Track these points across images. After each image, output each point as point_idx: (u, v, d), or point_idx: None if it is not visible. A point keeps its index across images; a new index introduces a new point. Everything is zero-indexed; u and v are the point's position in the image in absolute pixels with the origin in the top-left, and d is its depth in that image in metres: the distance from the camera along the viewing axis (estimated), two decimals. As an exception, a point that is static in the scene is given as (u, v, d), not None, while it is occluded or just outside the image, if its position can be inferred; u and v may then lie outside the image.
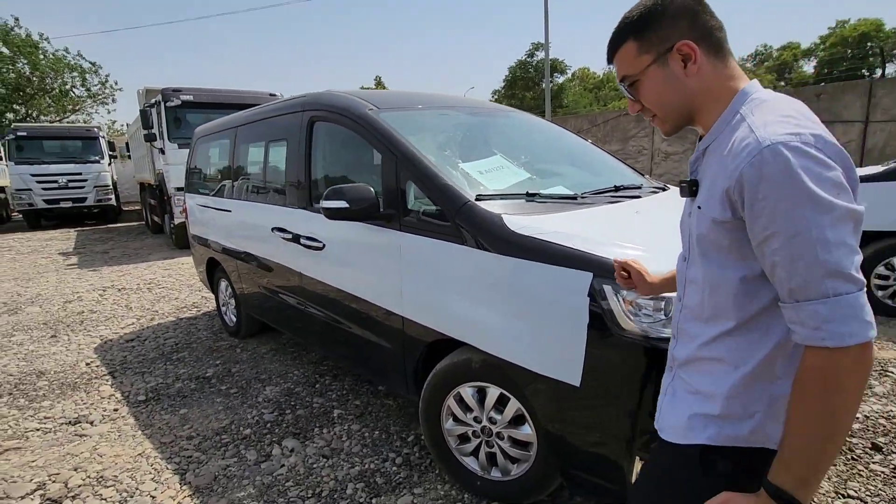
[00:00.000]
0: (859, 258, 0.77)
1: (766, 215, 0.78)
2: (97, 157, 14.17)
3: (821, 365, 0.77)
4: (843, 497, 2.17)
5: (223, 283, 4.43)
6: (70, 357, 4.14)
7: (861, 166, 8.15)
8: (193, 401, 3.27)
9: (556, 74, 37.63)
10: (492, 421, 2.08)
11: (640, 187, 2.70)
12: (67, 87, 23.80)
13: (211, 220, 4.36)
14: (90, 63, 23.90)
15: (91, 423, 3.03)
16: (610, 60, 1.04)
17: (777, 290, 0.82)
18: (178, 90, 8.75)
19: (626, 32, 0.98)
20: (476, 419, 2.13)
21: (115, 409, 3.19)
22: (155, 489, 2.38)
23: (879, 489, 2.20)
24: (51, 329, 4.90)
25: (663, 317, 1.60)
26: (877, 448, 2.48)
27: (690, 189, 0.98)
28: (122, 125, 28.78)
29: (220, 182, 4.17)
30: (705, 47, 0.93)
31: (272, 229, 3.22)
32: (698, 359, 0.97)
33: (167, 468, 2.54)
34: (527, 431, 1.99)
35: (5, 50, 21.30)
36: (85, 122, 23.33)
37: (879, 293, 4.17)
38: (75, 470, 2.55)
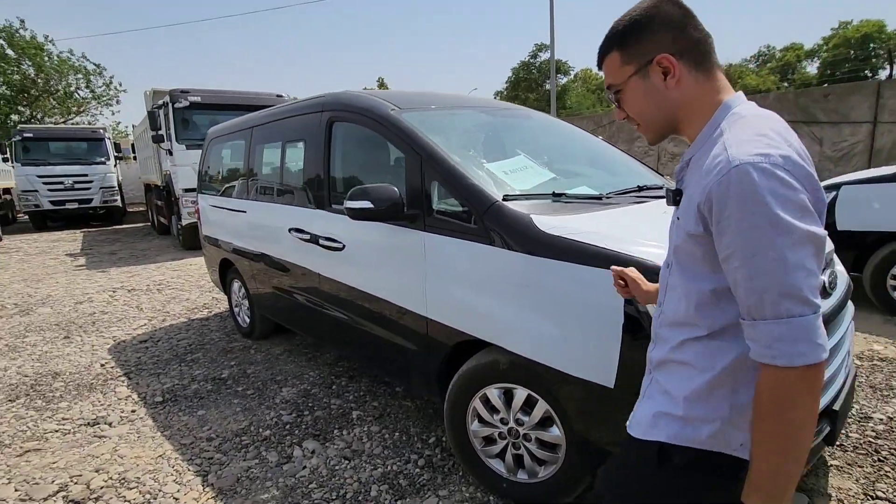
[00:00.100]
0: (817, 281, 0.78)
1: (730, 233, 0.80)
2: (103, 159, 14.22)
3: (772, 382, 0.80)
4: (872, 498, 2.15)
5: (236, 284, 4.43)
6: (84, 358, 4.14)
7: (870, 167, 8.14)
8: (210, 402, 3.27)
9: (559, 76, 37.63)
10: (519, 423, 2.07)
11: (662, 188, 2.69)
12: (72, 88, 23.88)
13: (225, 220, 4.36)
14: (95, 65, 24.00)
15: (109, 424, 3.03)
16: (599, 67, 1.07)
17: (738, 305, 0.84)
18: (185, 91, 8.76)
19: (612, 42, 1.00)
20: (503, 421, 2.12)
21: (133, 411, 3.19)
22: (178, 491, 2.37)
23: (908, 491, 2.19)
24: (63, 330, 4.91)
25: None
26: (903, 450, 2.46)
27: (675, 198, 0.99)
28: (126, 126, 28.87)
29: (235, 183, 4.17)
30: (687, 61, 0.95)
31: (289, 230, 3.21)
32: (669, 361, 0.99)
33: (189, 470, 2.53)
34: (555, 433, 1.98)
35: (10, 52, 21.37)
36: (89, 123, 23.37)
37: (895, 294, 4.15)
38: (97, 471, 2.54)
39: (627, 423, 1.08)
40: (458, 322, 2.16)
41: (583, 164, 3.06)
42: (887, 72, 35.79)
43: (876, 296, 4.18)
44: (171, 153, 8.94)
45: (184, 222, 9.03)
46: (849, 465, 2.36)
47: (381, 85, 43.58)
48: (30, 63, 21.91)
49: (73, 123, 22.98)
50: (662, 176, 3.15)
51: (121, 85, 25.06)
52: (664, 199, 2.44)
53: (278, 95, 9.70)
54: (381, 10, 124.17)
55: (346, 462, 2.54)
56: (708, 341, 0.93)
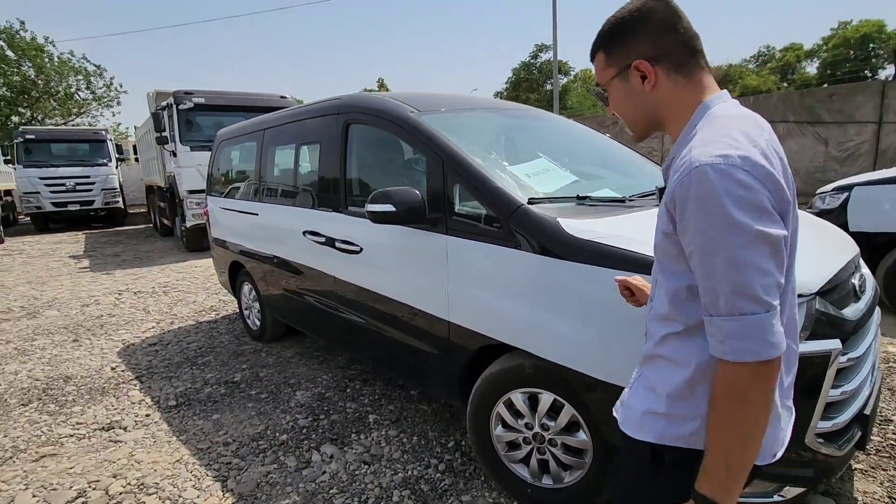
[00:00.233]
0: (772, 280, 0.80)
1: (690, 232, 0.83)
2: (105, 160, 14.19)
3: (725, 377, 0.83)
4: (898, 503, 2.14)
5: (246, 287, 4.41)
6: (94, 362, 4.12)
7: (875, 167, 8.14)
8: (225, 406, 3.25)
9: (559, 76, 37.63)
10: (544, 427, 2.06)
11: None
12: (72, 89, 23.82)
13: (235, 223, 4.34)
14: (95, 66, 23.92)
15: (124, 428, 3.01)
16: (593, 63, 1.11)
17: None
18: (189, 93, 8.74)
19: (597, 44, 1.04)
20: (527, 425, 2.11)
21: (147, 415, 3.17)
22: (198, 497, 2.35)
23: (934, 495, 2.17)
24: (72, 333, 4.88)
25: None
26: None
27: (661, 196, 1.01)
28: (126, 128, 28.82)
29: (246, 185, 4.16)
30: (666, 65, 0.97)
31: (303, 233, 3.20)
32: (654, 356, 1.01)
33: (207, 475, 2.51)
34: (582, 438, 1.97)
35: (11, 53, 21.31)
36: (90, 124, 23.32)
37: (907, 295, 4.14)
38: (115, 477, 2.52)
39: (615, 409, 1.11)
40: (482, 326, 2.14)
41: (599, 165, 3.04)
42: (887, 71, 35.85)
43: (889, 297, 4.17)
44: (175, 154, 8.92)
45: (188, 224, 9.01)
46: (872, 468, 2.35)
47: (381, 85, 43.55)
48: (30, 64, 21.85)
49: (73, 125, 22.94)
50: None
51: (121, 86, 25.02)
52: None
53: (282, 96, 9.70)
54: (381, 10, 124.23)
55: (366, 467, 2.52)
56: (685, 337, 0.94)
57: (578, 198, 2.16)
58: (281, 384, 3.53)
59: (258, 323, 4.35)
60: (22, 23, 21.61)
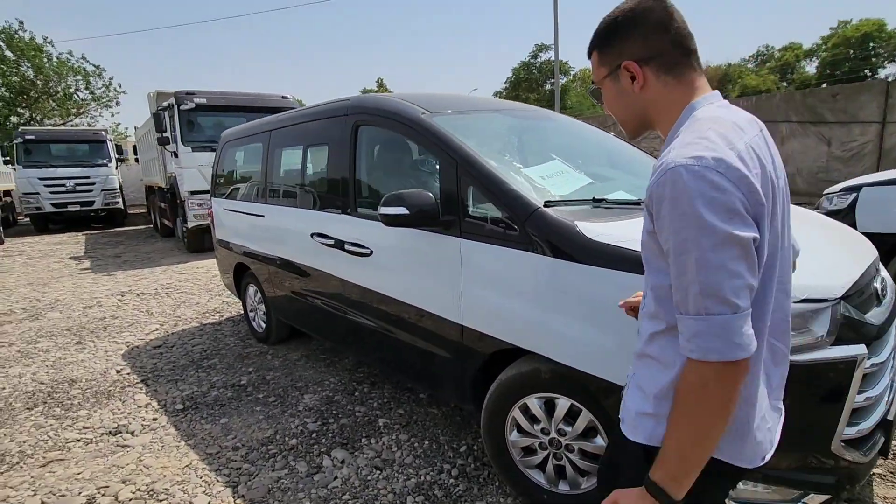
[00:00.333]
0: (741, 283, 0.80)
1: (664, 232, 0.85)
2: (105, 161, 14.14)
3: (689, 374, 0.85)
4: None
5: (252, 289, 4.38)
6: (99, 364, 4.09)
7: (879, 167, 8.12)
8: (232, 409, 3.22)
9: (559, 76, 37.61)
10: (561, 433, 2.03)
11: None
12: (71, 90, 23.74)
13: (240, 224, 4.31)
14: (94, 66, 23.85)
15: (132, 433, 2.98)
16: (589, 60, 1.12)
17: None
18: (191, 93, 8.70)
19: (592, 43, 1.06)
20: (543, 431, 2.08)
21: (154, 419, 3.14)
22: (209, 503, 2.33)
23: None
24: (75, 335, 4.85)
25: (760, 328, 1.55)
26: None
27: None
28: (126, 128, 28.75)
29: (252, 186, 4.13)
30: (655, 66, 0.98)
31: (311, 235, 3.17)
32: (643, 355, 1.01)
33: (217, 481, 2.49)
34: (599, 443, 1.95)
35: (9, 53, 21.24)
36: (89, 125, 23.25)
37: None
38: (124, 483, 2.50)
39: (620, 415, 1.09)
40: (497, 330, 2.12)
41: (610, 166, 3.02)
42: (887, 70, 35.89)
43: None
44: (176, 155, 8.88)
45: (189, 225, 8.97)
46: (892, 472, 2.33)
47: (381, 85, 43.52)
48: (29, 64, 21.78)
49: (72, 125, 22.86)
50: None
51: (120, 86, 24.94)
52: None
53: (283, 97, 9.66)
54: (380, 10, 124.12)
55: (378, 472, 2.49)
56: (669, 336, 0.94)
57: (594, 200, 2.14)
58: (288, 387, 3.50)
59: (263, 325, 4.32)
60: (21, 23, 21.56)
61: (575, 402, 1.97)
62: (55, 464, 2.69)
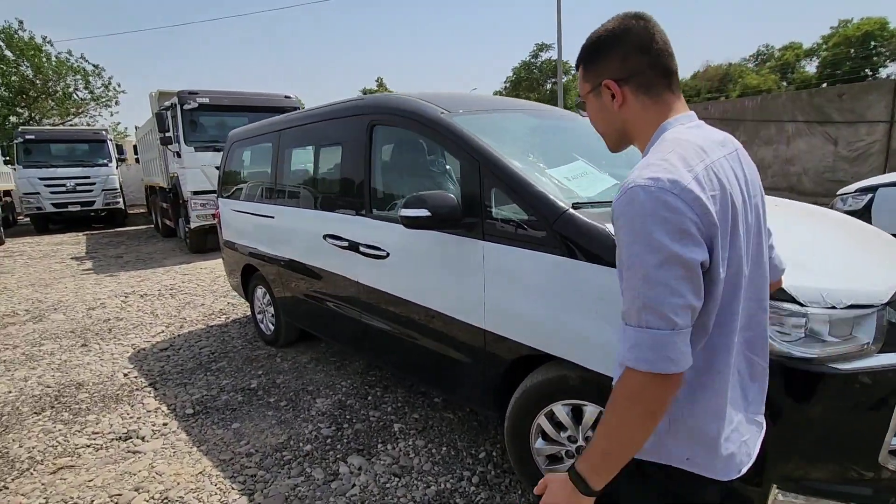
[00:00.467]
0: (682, 301, 0.83)
1: (620, 246, 0.89)
2: (105, 161, 14.06)
3: (624, 381, 0.88)
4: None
5: (260, 291, 4.33)
6: (105, 367, 4.03)
7: (886, 167, 8.08)
8: (244, 414, 3.17)
9: (562, 75, 37.55)
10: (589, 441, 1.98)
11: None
12: (70, 89, 23.63)
13: (249, 226, 4.25)
14: (93, 66, 23.73)
15: (142, 438, 2.92)
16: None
17: None
18: (194, 93, 8.63)
19: (579, 59, 1.10)
20: (570, 438, 2.03)
21: (165, 424, 3.08)
22: (225, 511, 2.28)
23: None
24: (80, 337, 4.79)
25: (803, 334, 1.50)
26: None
27: None
28: (125, 128, 28.64)
29: (261, 187, 4.07)
30: (634, 85, 1.01)
31: (324, 236, 3.11)
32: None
33: (233, 488, 2.43)
34: (629, 452, 1.89)
35: (9, 53, 21.13)
36: (88, 124, 23.15)
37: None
38: (137, 490, 2.44)
39: None
40: (522, 335, 2.06)
41: (628, 167, 2.96)
42: (889, 69, 35.87)
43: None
44: (178, 155, 8.81)
45: (192, 225, 8.90)
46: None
47: (381, 85, 43.43)
48: (28, 64, 21.67)
49: (71, 125, 22.76)
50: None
51: (119, 86, 24.83)
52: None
53: (286, 96, 9.59)
54: (380, 9, 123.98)
55: (397, 479, 2.44)
56: None
57: (622, 202, 2.09)
58: (299, 391, 3.45)
59: (272, 327, 4.26)
60: (20, 22, 21.44)
61: (604, 410, 1.91)
62: (66, 470, 2.63)
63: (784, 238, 2.08)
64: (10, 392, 3.61)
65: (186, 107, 8.52)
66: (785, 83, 40.16)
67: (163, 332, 4.90)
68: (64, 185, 13.38)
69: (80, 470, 2.64)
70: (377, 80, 44.17)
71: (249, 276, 4.45)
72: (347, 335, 3.26)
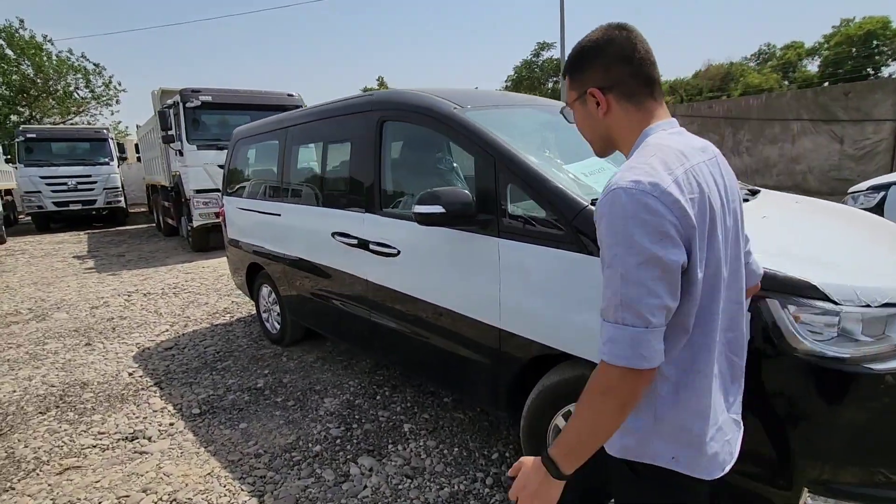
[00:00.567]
0: (658, 301, 0.86)
1: (601, 246, 0.92)
2: (106, 159, 14.01)
3: (599, 372, 0.91)
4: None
5: (265, 289, 4.29)
6: (110, 367, 3.99)
7: (893, 169, 8.03)
8: (251, 414, 3.13)
9: (559, 76, 37.47)
10: (607, 441, 1.94)
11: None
12: (71, 88, 23.59)
13: (254, 224, 4.21)
14: (94, 64, 23.69)
15: (149, 438, 2.88)
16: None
17: None
18: (196, 91, 8.58)
19: (566, 67, 1.13)
20: (588, 439, 1.99)
21: (171, 424, 3.05)
22: (235, 513, 2.24)
23: None
24: (83, 336, 4.75)
25: (835, 333, 1.46)
26: None
27: None
28: (126, 126, 28.59)
29: (267, 185, 4.03)
30: (617, 93, 1.05)
31: (332, 234, 3.07)
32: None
33: (242, 490, 2.39)
34: (650, 453, 1.85)
35: (10, 52, 21.10)
36: (89, 123, 23.10)
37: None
38: (144, 492, 2.40)
39: None
40: (540, 334, 2.02)
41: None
42: (890, 68, 35.79)
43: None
44: (181, 153, 8.76)
45: (195, 224, 8.86)
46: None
47: (381, 84, 43.38)
48: (29, 63, 21.63)
49: (71, 124, 22.71)
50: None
51: (120, 84, 24.78)
52: (746, 202, 2.33)
53: (289, 94, 9.54)
54: (381, 9, 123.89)
55: (409, 481, 2.40)
56: None
57: (640, 198, 2.05)
58: (307, 390, 3.41)
59: (278, 326, 4.22)
60: (21, 21, 21.40)
61: (624, 410, 1.87)
62: (72, 471, 2.59)
63: (813, 236, 2.05)
64: (14, 391, 3.58)
65: (189, 105, 8.47)
66: (787, 82, 40.08)
67: (167, 330, 4.86)
68: (65, 184, 13.34)
69: (87, 471, 2.60)
70: (378, 79, 44.10)
71: (255, 274, 4.41)
72: (355, 334, 3.22)
